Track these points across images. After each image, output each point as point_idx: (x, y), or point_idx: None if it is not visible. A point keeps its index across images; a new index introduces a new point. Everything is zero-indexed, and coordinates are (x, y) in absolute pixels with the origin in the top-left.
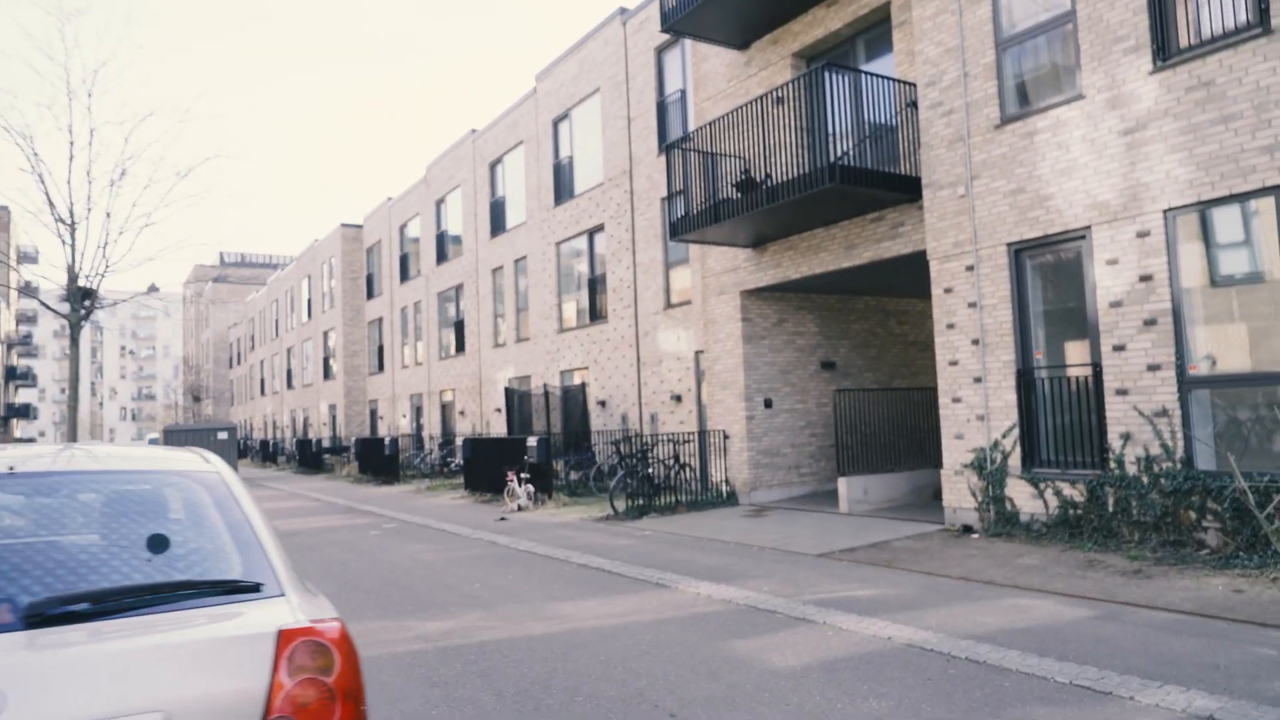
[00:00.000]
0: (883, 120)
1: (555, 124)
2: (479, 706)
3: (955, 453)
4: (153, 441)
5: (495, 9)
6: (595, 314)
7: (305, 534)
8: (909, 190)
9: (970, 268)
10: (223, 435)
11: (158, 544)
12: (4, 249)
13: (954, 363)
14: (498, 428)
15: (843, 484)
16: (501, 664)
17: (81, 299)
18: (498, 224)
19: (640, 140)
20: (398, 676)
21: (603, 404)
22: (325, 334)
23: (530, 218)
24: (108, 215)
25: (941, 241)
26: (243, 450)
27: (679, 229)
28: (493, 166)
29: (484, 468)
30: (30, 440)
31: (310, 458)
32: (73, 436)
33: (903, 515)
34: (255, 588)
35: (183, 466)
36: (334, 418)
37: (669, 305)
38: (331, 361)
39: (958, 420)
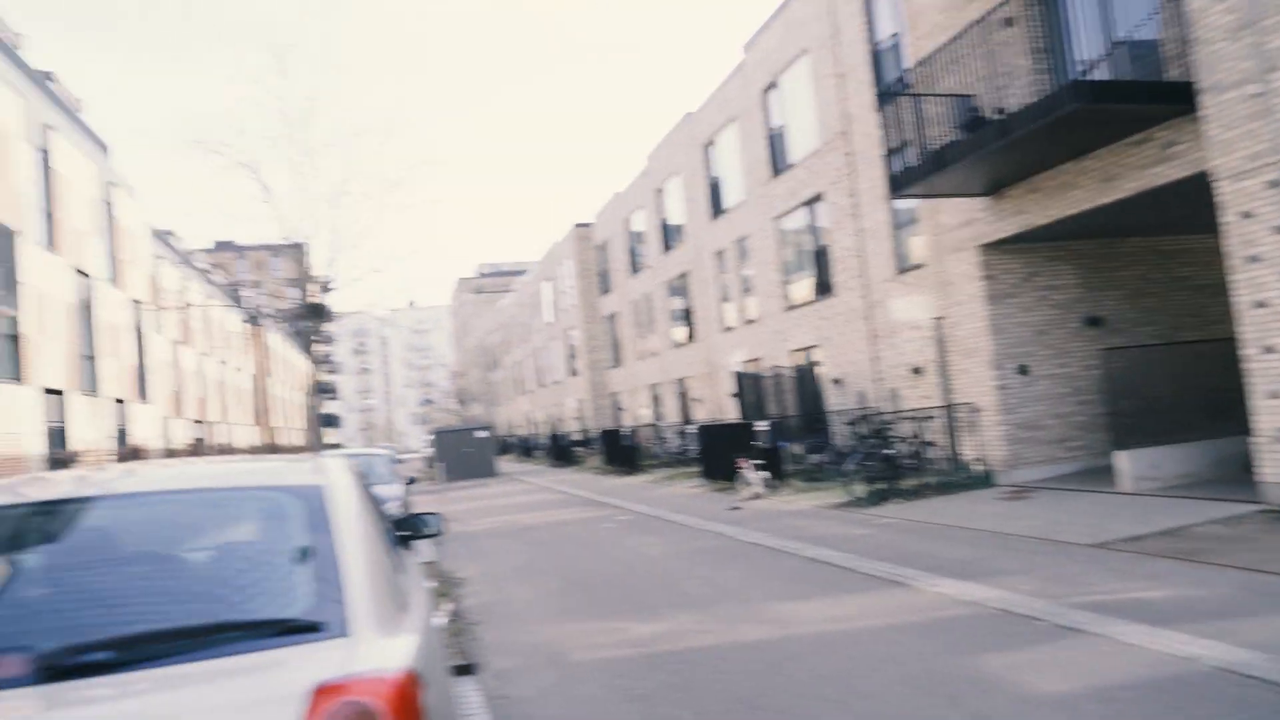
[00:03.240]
0: (1136, 23)
1: (765, 94)
2: None
3: (1271, 415)
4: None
5: None
6: (822, 288)
7: (543, 528)
8: (1179, 100)
9: (1274, 184)
10: (481, 434)
11: (212, 575)
12: (301, 279)
13: (1261, 304)
14: (733, 413)
15: (1122, 458)
16: (707, 676)
17: (312, 314)
18: (716, 206)
19: (855, 96)
20: (598, 687)
21: (837, 382)
22: (567, 332)
23: (748, 195)
24: (334, 233)
25: (1231, 156)
26: (505, 447)
27: (900, 182)
28: (707, 148)
29: (717, 455)
30: (336, 446)
31: (560, 451)
32: (311, 439)
33: (1203, 494)
34: (313, 627)
35: (282, 481)
36: (581, 412)
37: (901, 270)
38: (574, 359)
39: (1271, 375)
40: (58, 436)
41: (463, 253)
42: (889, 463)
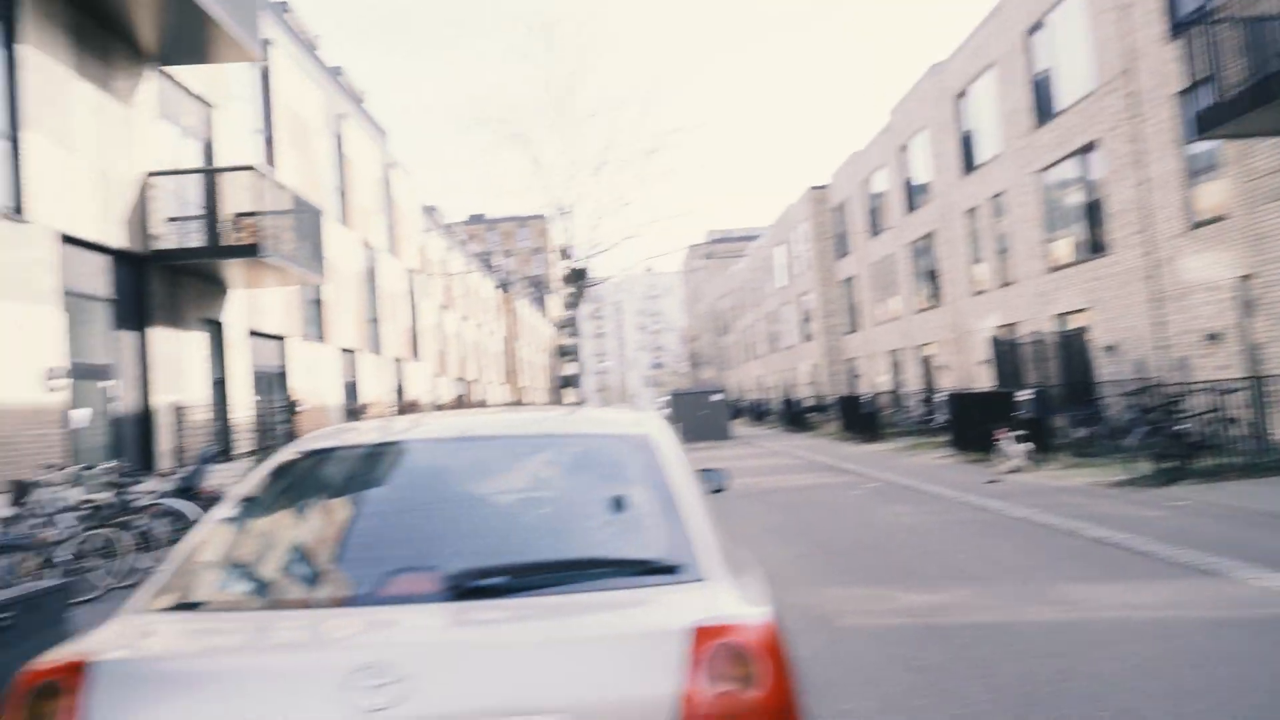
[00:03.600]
0: None
1: (1028, 35)
2: (970, 703)
3: None
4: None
5: None
6: (1093, 246)
7: (787, 491)
8: None
9: None
10: (716, 397)
11: (576, 513)
12: (545, 248)
13: None
14: (982, 381)
15: None
16: (998, 654)
17: (576, 278)
18: (968, 161)
19: (1142, 29)
20: (874, 653)
21: (1110, 349)
22: (801, 297)
23: (1005, 148)
24: (596, 201)
25: None
26: (736, 411)
27: (1208, 122)
28: (958, 99)
29: (970, 425)
30: (576, 405)
31: (794, 417)
32: (553, 399)
33: None
34: (670, 569)
35: (613, 429)
36: (814, 377)
37: (1195, 224)
38: (808, 323)
39: None
40: (350, 390)
41: (695, 219)
42: (1178, 439)
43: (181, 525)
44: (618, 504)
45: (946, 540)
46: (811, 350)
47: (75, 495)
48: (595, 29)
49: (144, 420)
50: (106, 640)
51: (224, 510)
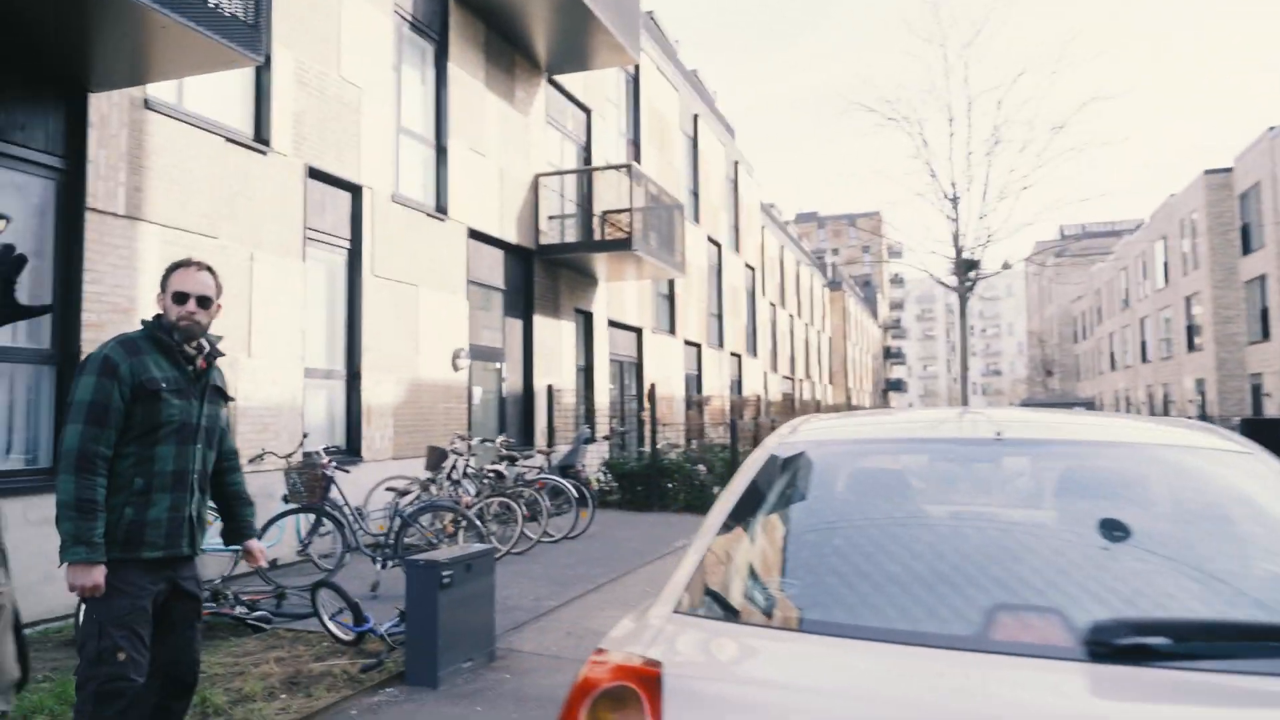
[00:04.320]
0: None
1: None
2: None
3: None
4: None
5: None
6: None
7: None
8: None
9: None
10: (1079, 410)
11: (1207, 550)
12: (878, 249)
13: None
14: None
15: None
16: None
17: (966, 270)
18: None
19: None
20: None
21: None
22: (1187, 300)
23: None
24: (985, 186)
25: None
26: None
27: None
28: None
29: None
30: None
31: None
32: (964, 404)
33: None
34: None
35: (1197, 442)
36: (1202, 394)
37: None
38: (1195, 331)
39: None
40: (693, 382)
41: (1091, 206)
42: None
43: (562, 500)
44: (1263, 540)
45: None
46: (1198, 362)
47: (474, 465)
48: None
49: (525, 400)
50: (666, 646)
51: (724, 507)
